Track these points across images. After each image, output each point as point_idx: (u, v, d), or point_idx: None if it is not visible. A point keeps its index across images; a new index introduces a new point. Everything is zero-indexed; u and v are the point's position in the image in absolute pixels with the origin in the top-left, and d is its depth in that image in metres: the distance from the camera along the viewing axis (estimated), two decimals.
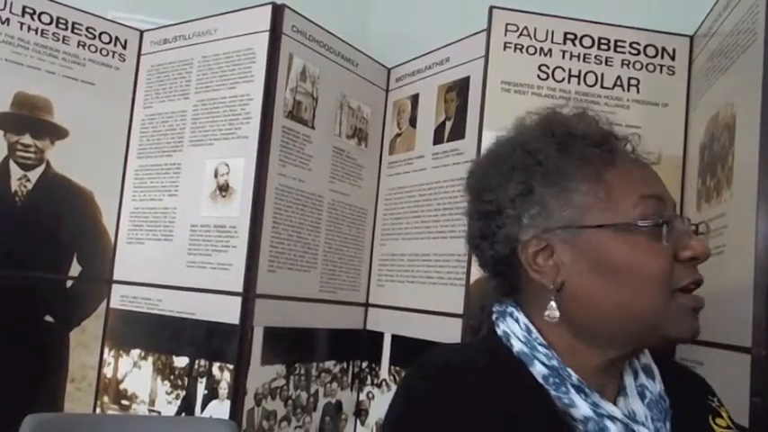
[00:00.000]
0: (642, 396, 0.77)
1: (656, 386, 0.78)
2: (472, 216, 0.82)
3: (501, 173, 0.78)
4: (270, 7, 1.82)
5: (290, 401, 1.88)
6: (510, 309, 0.79)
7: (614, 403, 0.76)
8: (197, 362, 1.80)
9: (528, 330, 0.76)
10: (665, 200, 0.75)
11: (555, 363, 0.73)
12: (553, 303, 0.75)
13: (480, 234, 0.81)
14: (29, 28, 1.88)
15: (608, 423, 0.71)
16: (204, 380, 1.78)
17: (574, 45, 1.75)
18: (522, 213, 0.76)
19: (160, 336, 1.88)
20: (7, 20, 1.84)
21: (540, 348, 0.74)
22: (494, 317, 0.81)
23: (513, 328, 0.77)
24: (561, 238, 0.74)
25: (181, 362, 1.83)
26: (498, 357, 0.76)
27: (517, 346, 0.76)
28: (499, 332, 0.78)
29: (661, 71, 1.74)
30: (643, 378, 0.78)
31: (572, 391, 0.72)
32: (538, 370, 0.74)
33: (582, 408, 0.71)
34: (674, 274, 0.72)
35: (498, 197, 0.77)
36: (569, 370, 0.73)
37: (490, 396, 0.70)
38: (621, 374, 0.79)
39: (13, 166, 1.85)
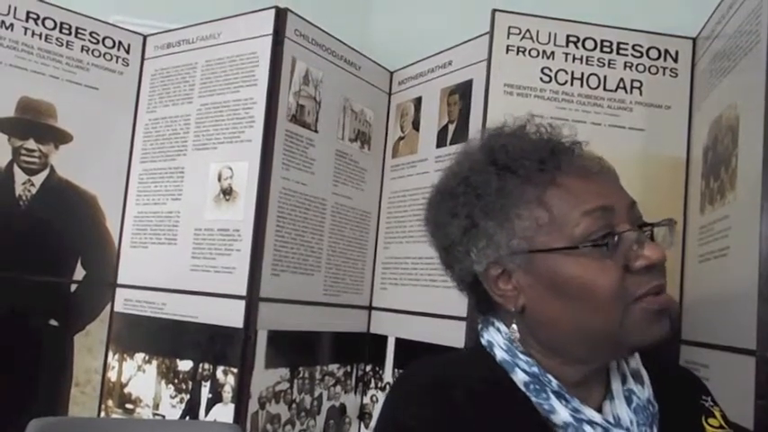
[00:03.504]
0: (629, 401, 0.77)
1: (644, 391, 0.78)
2: (435, 247, 0.85)
3: (448, 209, 0.79)
4: (273, 11, 1.83)
5: (293, 405, 1.88)
6: (492, 319, 0.81)
7: (600, 408, 0.77)
8: (201, 365, 1.80)
9: (509, 339, 0.78)
10: (613, 208, 0.74)
11: (536, 369, 0.75)
12: (514, 326, 0.78)
13: (445, 264, 0.84)
14: (33, 33, 1.89)
15: (587, 428, 0.72)
16: (208, 383, 1.78)
17: (576, 48, 1.75)
18: (470, 248, 0.77)
19: (164, 339, 1.88)
20: (11, 25, 1.85)
21: (521, 356, 0.76)
22: (479, 327, 0.83)
23: (496, 338, 0.79)
24: (516, 264, 0.75)
25: (185, 365, 1.83)
26: (482, 367, 0.77)
27: (499, 354, 0.77)
28: (484, 342, 0.80)
29: (664, 73, 1.74)
30: (631, 383, 0.79)
31: (552, 397, 0.73)
32: (519, 377, 0.75)
33: (562, 414, 0.72)
34: (627, 287, 0.71)
35: (448, 233, 0.79)
36: (549, 376, 0.74)
37: (473, 409, 0.71)
38: (609, 379, 0.79)
39: (17, 170, 1.85)
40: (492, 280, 0.77)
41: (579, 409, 0.73)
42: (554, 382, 0.74)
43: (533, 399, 0.73)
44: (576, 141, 0.80)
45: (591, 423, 0.72)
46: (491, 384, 0.75)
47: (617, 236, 0.72)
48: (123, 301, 1.99)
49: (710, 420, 0.82)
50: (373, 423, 2.03)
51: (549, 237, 0.73)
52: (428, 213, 0.85)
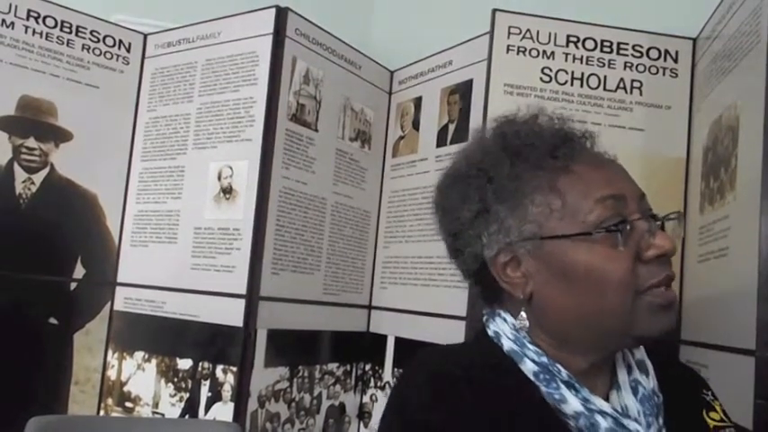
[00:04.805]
0: (635, 391, 0.77)
1: (649, 382, 0.78)
2: (443, 233, 0.85)
3: (459, 193, 0.79)
4: (273, 10, 1.83)
5: (293, 404, 1.88)
6: (498, 309, 0.81)
7: (607, 397, 0.77)
8: (201, 364, 1.80)
9: (516, 329, 0.77)
10: (625, 197, 0.74)
11: (545, 359, 0.74)
12: (523, 314, 0.77)
13: (452, 250, 0.84)
14: (33, 31, 1.89)
15: (598, 418, 0.71)
16: (208, 382, 1.78)
17: (576, 48, 1.75)
18: (481, 233, 0.77)
19: (164, 338, 1.88)
20: (12, 23, 1.85)
21: (529, 346, 0.76)
22: (484, 318, 0.83)
23: (503, 328, 0.78)
24: (525, 250, 0.75)
25: (184, 364, 1.83)
26: (490, 358, 0.77)
27: (507, 344, 0.77)
28: (490, 332, 0.80)
29: (664, 74, 1.74)
30: (637, 373, 0.79)
31: (562, 386, 0.73)
32: (528, 367, 0.74)
33: (573, 403, 0.72)
34: (638, 276, 0.72)
35: (458, 217, 0.79)
36: (559, 366, 0.74)
37: (482, 399, 0.70)
38: (615, 369, 0.79)
39: (17, 168, 1.85)
40: (500, 266, 0.77)
41: (589, 399, 0.72)
42: (563, 372, 0.73)
43: (543, 388, 0.73)
44: (588, 131, 0.81)
45: (602, 413, 0.72)
46: (500, 375, 0.74)
47: (630, 224, 0.72)
48: (123, 300, 1.99)
49: (711, 414, 0.82)
50: (373, 422, 2.03)
51: (560, 223, 0.73)
52: (438, 198, 0.85)
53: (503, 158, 0.76)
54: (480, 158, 0.79)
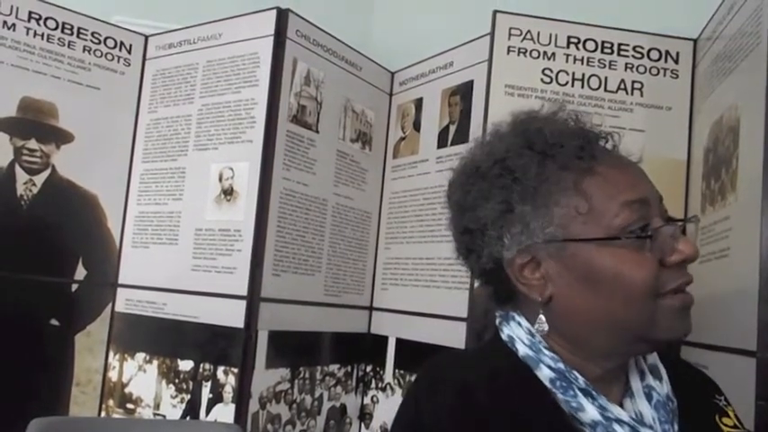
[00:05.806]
0: (649, 397, 0.76)
1: (663, 387, 0.77)
2: (456, 230, 0.82)
3: (480, 191, 0.77)
4: (274, 12, 1.83)
5: (294, 405, 1.88)
6: (512, 313, 0.79)
7: (621, 404, 0.76)
8: (202, 365, 1.80)
9: (531, 334, 0.76)
10: (648, 201, 0.73)
11: (561, 366, 0.73)
12: (542, 317, 0.75)
13: (466, 248, 0.81)
14: (35, 33, 1.89)
15: (616, 427, 0.70)
16: (209, 383, 1.78)
17: (577, 49, 1.75)
18: (503, 233, 0.75)
19: (165, 339, 1.88)
20: (13, 25, 1.85)
21: (545, 351, 0.74)
22: (497, 321, 0.81)
23: (518, 332, 0.77)
24: (546, 252, 0.74)
25: (185, 365, 1.83)
26: (504, 363, 0.75)
27: (522, 350, 0.75)
28: (504, 337, 0.78)
29: (665, 74, 1.74)
30: (650, 379, 0.78)
31: (579, 394, 0.71)
32: (544, 374, 0.73)
33: (590, 411, 0.71)
34: (660, 280, 0.71)
35: (479, 216, 0.76)
36: (575, 373, 0.72)
37: (497, 406, 0.69)
38: (627, 375, 0.78)
39: (18, 170, 1.86)
40: (517, 268, 0.75)
41: (606, 407, 0.71)
42: (581, 379, 0.72)
43: (560, 396, 0.72)
44: (611, 132, 0.79)
45: (619, 422, 0.71)
46: (514, 381, 0.73)
47: (656, 229, 0.71)
48: (124, 301, 1.99)
49: (724, 420, 0.80)
50: (374, 423, 2.03)
51: (585, 226, 0.72)
52: (453, 195, 0.82)
53: (529, 157, 0.74)
54: (503, 156, 0.76)
